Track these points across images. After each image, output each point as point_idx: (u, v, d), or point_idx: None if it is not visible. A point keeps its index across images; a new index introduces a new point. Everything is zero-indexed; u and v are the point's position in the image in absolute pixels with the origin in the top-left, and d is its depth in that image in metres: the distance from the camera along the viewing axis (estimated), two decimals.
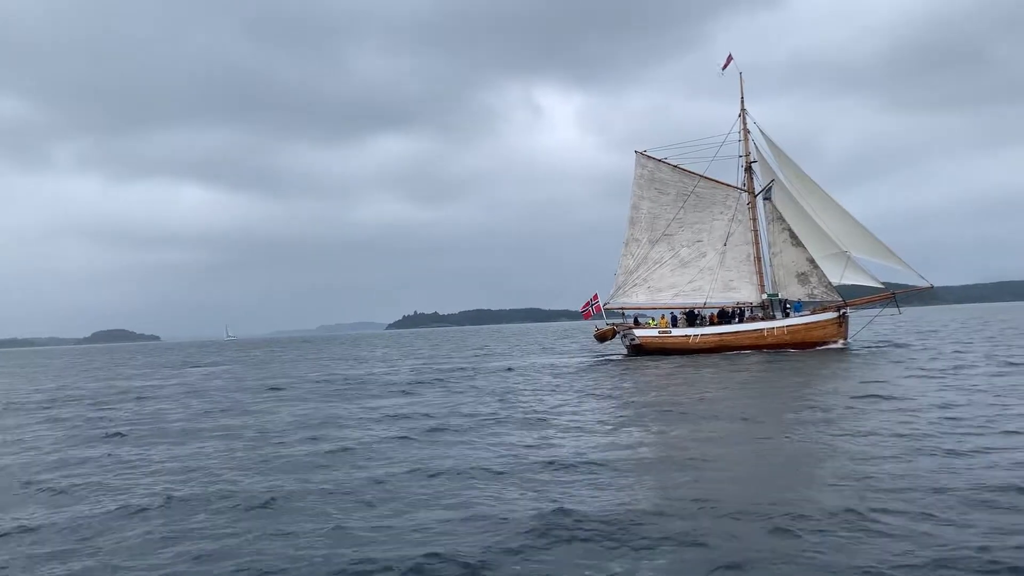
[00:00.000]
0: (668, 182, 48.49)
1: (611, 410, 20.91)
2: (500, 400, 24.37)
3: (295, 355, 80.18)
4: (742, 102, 48.04)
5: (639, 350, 44.98)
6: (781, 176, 46.93)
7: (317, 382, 36.09)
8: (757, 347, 43.91)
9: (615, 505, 10.53)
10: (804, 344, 43.96)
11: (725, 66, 48.14)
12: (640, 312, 48.79)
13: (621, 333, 46.72)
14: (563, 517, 9.85)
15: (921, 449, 13.35)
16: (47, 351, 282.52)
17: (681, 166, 48.27)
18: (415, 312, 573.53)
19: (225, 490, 12.44)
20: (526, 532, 9.37)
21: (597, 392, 26.09)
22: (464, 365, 45.19)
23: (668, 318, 47.15)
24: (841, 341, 44.81)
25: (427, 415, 21.14)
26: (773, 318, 45.65)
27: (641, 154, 48.95)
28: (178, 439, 18.79)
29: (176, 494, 12.23)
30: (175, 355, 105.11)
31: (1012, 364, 29.02)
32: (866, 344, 45.59)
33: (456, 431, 17.93)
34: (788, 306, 46.07)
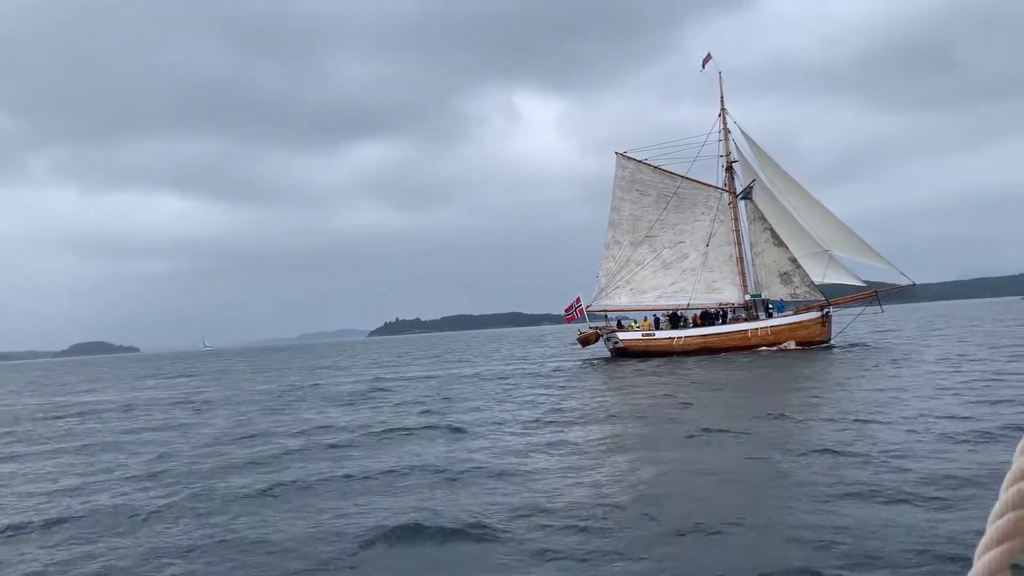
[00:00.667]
0: (649, 183, 48.11)
1: (531, 423, 19.50)
2: (426, 411, 23.01)
3: (262, 365, 78.49)
4: (722, 101, 47.82)
5: (623, 353, 44.51)
6: (762, 176, 46.65)
7: (265, 394, 35.02)
8: (741, 348, 43.54)
9: (463, 512, 10.33)
10: (784, 344, 43.62)
11: (704, 64, 47.89)
12: (623, 314, 48.36)
13: (604, 336, 46.22)
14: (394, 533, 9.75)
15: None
16: (20, 365, 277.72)
17: (662, 167, 47.94)
18: (396, 319, 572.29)
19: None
20: (349, 544, 9.31)
21: (543, 401, 24.64)
22: (434, 374, 43.26)
23: (651, 320, 46.74)
24: (823, 341, 44.58)
25: (344, 428, 20.21)
26: (756, 318, 45.34)
27: (622, 155, 48.56)
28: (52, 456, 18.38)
29: None
30: (146, 367, 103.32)
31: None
32: (851, 343, 45.35)
33: (352, 446, 17.11)
34: (771, 306, 45.77)
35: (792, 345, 43.38)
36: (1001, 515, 1.19)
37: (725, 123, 47.74)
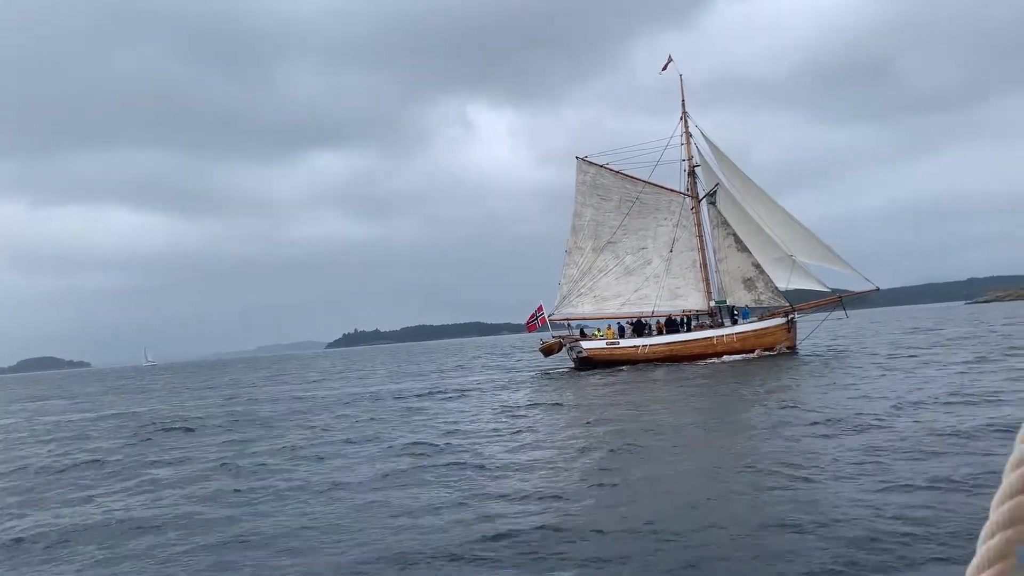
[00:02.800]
0: (611, 188, 47.03)
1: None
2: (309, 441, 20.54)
3: (192, 381, 74.55)
4: (683, 105, 46.98)
5: (586, 363, 43.19)
6: (724, 180, 45.87)
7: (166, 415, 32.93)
8: (707, 356, 42.55)
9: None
10: (753, 351, 42.77)
11: (664, 68, 47.09)
12: (585, 323, 47.13)
13: (567, 345, 44.86)
14: None
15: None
16: None
17: (624, 172, 46.90)
18: (355, 330, 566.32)
19: None
20: None
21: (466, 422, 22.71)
22: (372, 389, 40.41)
23: (615, 328, 45.55)
24: (788, 347, 43.83)
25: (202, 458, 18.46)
26: (721, 325, 44.44)
27: (583, 160, 47.42)
28: None
29: None
30: (80, 384, 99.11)
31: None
32: (816, 350, 44.72)
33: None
34: (736, 313, 44.91)
35: (759, 352, 42.57)
36: (992, 535, 1.14)
37: (687, 127, 46.93)
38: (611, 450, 15.71)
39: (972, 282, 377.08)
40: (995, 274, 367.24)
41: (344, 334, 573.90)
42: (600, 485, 12.47)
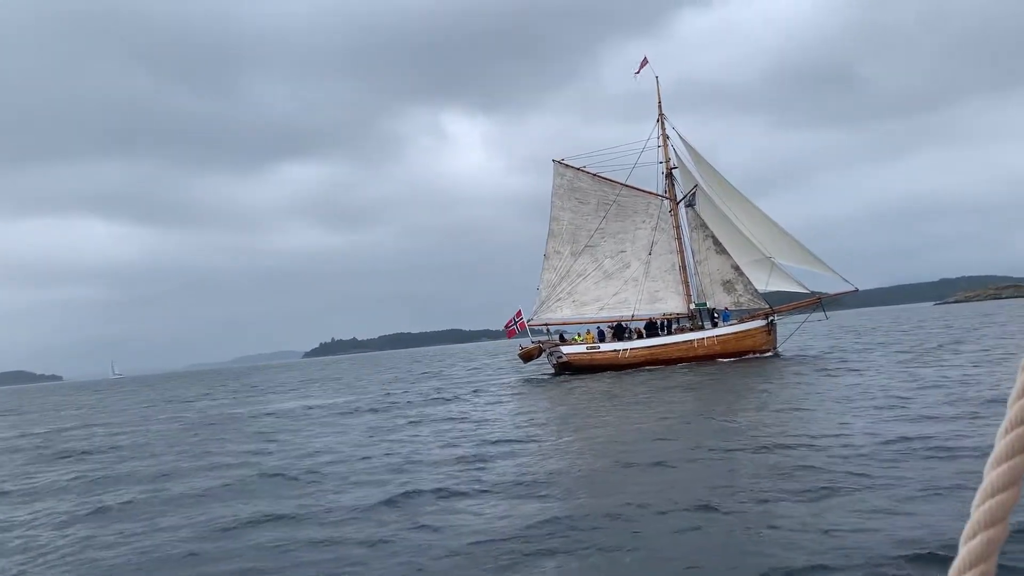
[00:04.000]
0: (588, 191, 46.57)
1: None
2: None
3: (136, 397, 71.76)
4: (660, 107, 46.65)
5: (567, 368, 42.64)
6: (702, 182, 45.59)
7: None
8: (688, 359, 42.15)
9: None
10: (735, 354, 42.47)
11: (640, 70, 46.72)
12: (565, 328, 46.61)
13: (547, 351, 44.26)
14: None
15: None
16: None
17: (601, 174, 46.45)
18: (332, 339, 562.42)
19: None
20: None
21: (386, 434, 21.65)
22: (328, 402, 38.16)
23: (594, 333, 45.04)
24: (770, 349, 43.58)
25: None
26: (702, 328, 44.07)
27: (559, 163, 46.93)
28: None
29: None
30: (37, 398, 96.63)
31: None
32: (798, 352, 44.50)
33: None
34: (716, 315, 44.56)
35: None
36: (973, 536, 1.14)
37: (663, 129, 46.58)
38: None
39: (943, 283, 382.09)
40: (966, 274, 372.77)
41: (321, 343, 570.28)
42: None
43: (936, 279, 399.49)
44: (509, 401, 30.92)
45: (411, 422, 24.67)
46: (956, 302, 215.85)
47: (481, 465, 15.35)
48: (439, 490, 13.05)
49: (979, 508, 1.15)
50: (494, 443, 18.35)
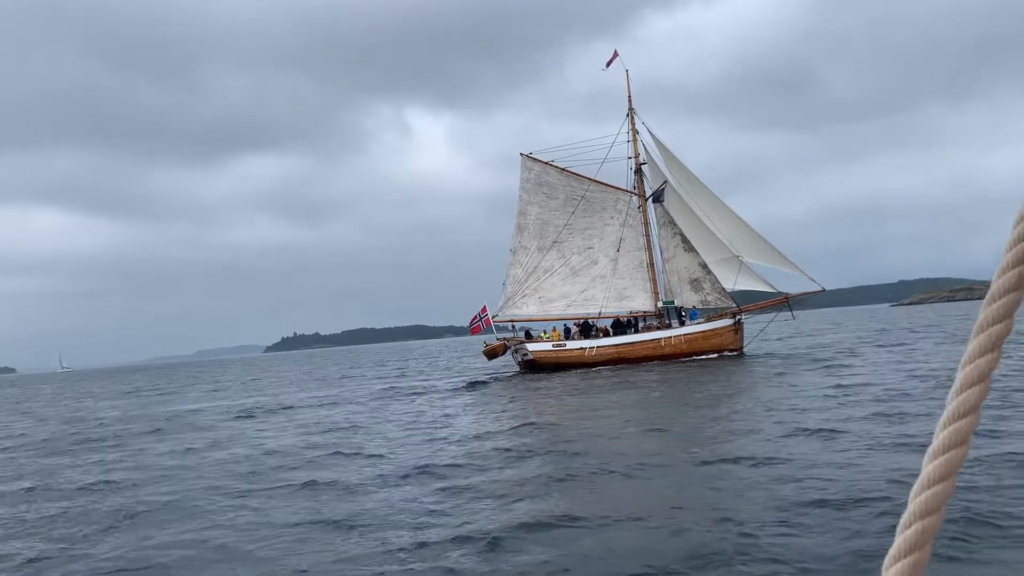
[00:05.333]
0: (557, 186, 45.71)
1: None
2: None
3: (65, 393, 69.98)
4: (629, 101, 45.95)
5: (532, 366, 41.77)
6: (671, 179, 45.00)
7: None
8: (655, 358, 41.54)
9: None
10: (702, 352, 41.96)
11: (609, 63, 45.93)
12: (531, 325, 45.75)
13: (512, 348, 43.34)
14: None
15: None
16: None
17: (570, 169, 45.62)
18: (295, 333, 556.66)
19: None
20: None
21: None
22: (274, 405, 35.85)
23: (560, 330, 44.22)
24: (736, 349, 43.17)
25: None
26: (669, 326, 43.49)
27: (527, 157, 45.99)
28: None
29: None
30: None
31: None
32: (765, 351, 44.13)
33: None
34: (684, 314, 44.02)
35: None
36: (909, 525, 1.17)
37: (633, 123, 45.88)
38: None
39: (902, 284, 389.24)
40: (924, 276, 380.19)
41: (283, 337, 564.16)
42: None
43: (895, 280, 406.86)
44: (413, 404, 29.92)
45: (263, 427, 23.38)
46: (911, 304, 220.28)
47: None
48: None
49: (916, 499, 1.16)
50: (312, 463, 16.12)
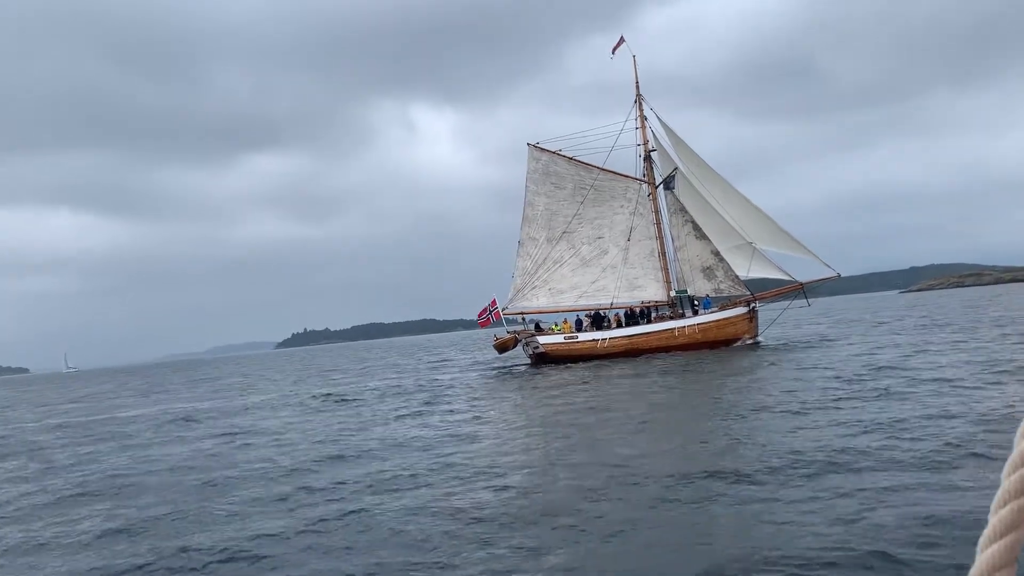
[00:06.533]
0: (565, 175, 44.89)
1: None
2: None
3: (58, 394, 69.43)
4: (637, 87, 45.08)
5: (543, 359, 41.05)
6: (681, 165, 44.12)
7: None
8: (668, 348, 40.75)
9: None
10: (716, 343, 41.17)
11: (616, 48, 45.07)
12: (541, 317, 45.04)
13: (523, 341, 42.63)
14: None
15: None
16: None
17: (577, 158, 44.79)
18: (305, 329, 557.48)
19: None
20: None
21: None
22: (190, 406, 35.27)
23: (572, 322, 43.48)
24: (751, 338, 42.35)
25: None
26: (682, 316, 42.68)
27: (534, 146, 45.16)
28: None
29: None
30: None
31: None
32: (781, 340, 43.30)
33: None
34: (697, 303, 43.18)
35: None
36: (1003, 505, 1.14)
37: (641, 110, 45.00)
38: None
39: (913, 271, 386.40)
40: (935, 262, 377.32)
41: (294, 333, 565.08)
42: None
43: (906, 267, 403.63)
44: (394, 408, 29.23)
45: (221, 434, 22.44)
46: (919, 290, 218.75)
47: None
48: None
49: (1009, 477, 1.12)
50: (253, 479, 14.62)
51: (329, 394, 34.09)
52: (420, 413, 23.59)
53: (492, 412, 22.66)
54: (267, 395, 38.49)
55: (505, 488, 11.93)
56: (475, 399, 27.13)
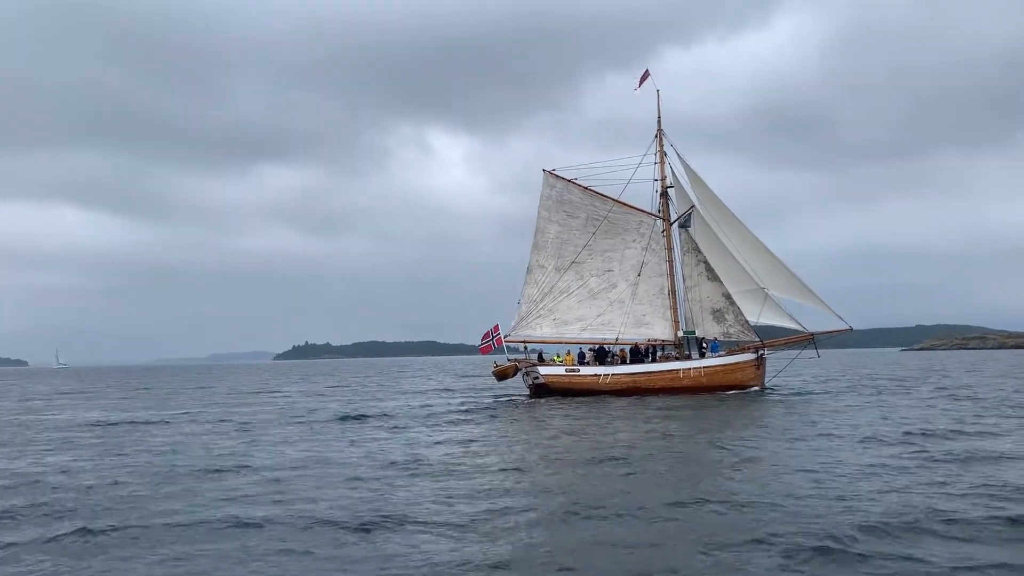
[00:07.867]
0: (578, 205, 44.04)
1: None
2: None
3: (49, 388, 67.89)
4: (659, 122, 44.39)
5: (543, 390, 39.85)
6: (698, 204, 43.28)
7: None
8: (672, 390, 39.53)
9: None
10: (721, 387, 39.97)
11: (641, 83, 44.53)
12: (543, 347, 43.93)
13: (523, 370, 41.45)
14: None
15: None
16: None
17: (592, 188, 43.98)
18: (306, 343, 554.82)
19: None
20: None
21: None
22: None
23: (575, 354, 42.31)
24: (758, 387, 41.20)
25: None
26: (688, 357, 41.53)
27: (550, 173, 44.38)
28: None
29: None
30: None
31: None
32: (788, 390, 42.07)
33: None
34: (704, 345, 42.05)
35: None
36: None
37: (661, 145, 44.25)
38: None
39: (919, 329, 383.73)
40: (943, 322, 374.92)
41: (294, 346, 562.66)
42: None
43: (912, 325, 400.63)
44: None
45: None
46: (921, 349, 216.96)
47: None
48: None
49: None
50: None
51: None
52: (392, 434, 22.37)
53: (476, 442, 21.49)
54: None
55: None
56: (464, 423, 25.97)
